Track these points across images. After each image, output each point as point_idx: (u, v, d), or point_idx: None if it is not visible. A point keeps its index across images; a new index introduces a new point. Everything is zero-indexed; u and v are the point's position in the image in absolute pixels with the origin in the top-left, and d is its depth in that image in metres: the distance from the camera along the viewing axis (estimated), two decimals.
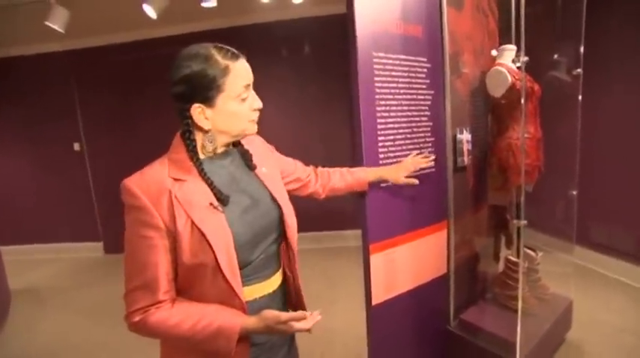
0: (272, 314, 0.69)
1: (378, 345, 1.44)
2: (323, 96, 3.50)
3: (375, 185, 1.33)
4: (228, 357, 0.68)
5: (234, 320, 0.68)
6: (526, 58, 1.32)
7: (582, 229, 2.60)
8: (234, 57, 0.70)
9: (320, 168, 1.14)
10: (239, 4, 3.12)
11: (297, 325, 0.68)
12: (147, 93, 3.55)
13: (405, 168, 1.26)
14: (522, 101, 1.35)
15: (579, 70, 1.73)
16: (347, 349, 2.03)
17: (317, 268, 3.14)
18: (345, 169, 1.18)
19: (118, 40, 3.62)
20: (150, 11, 2.74)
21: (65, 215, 4.04)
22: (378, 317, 1.42)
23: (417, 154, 1.33)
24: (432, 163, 1.35)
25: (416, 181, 1.27)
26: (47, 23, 2.60)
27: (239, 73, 0.70)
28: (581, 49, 1.70)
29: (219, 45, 0.70)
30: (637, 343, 1.86)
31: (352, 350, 2.00)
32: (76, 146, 3.92)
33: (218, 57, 0.68)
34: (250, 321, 0.69)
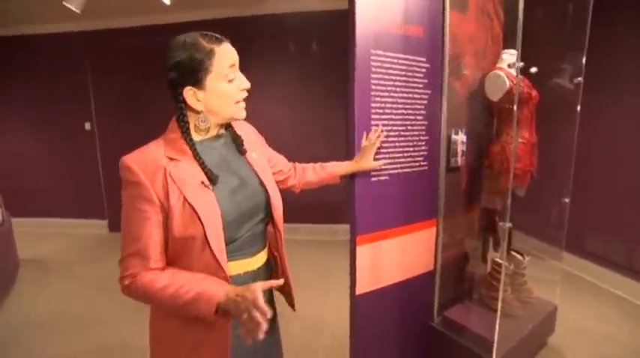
0: (254, 288, 0.68)
1: (361, 333, 1.50)
2: (327, 90, 3.54)
3: (366, 178, 1.38)
4: (211, 321, 0.74)
5: (217, 287, 0.73)
6: (521, 64, 1.34)
7: (575, 237, 2.62)
8: (218, 41, 0.76)
9: (298, 164, 1.20)
10: None
11: (257, 314, 0.65)
12: (158, 78, 3.57)
13: (363, 154, 1.30)
14: (515, 105, 1.37)
15: (580, 79, 1.74)
16: (335, 338, 2.09)
17: (312, 259, 3.21)
18: (318, 165, 1.24)
19: (132, 24, 3.69)
20: None
21: (73, 192, 4.18)
22: (362, 306, 1.47)
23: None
24: (382, 138, 1.36)
25: (381, 163, 1.34)
26: (65, 3, 2.68)
27: (223, 54, 0.76)
28: (584, 59, 1.71)
29: (204, 32, 0.76)
30: (620, 353, 1.88)
31: (339, 340, 2.05)
32: (87, 125, 4.03)
33: (203, 42, 0.74)
34: (232, 289, 0.73)
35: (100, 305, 2.53)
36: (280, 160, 1.11)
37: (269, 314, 0.65)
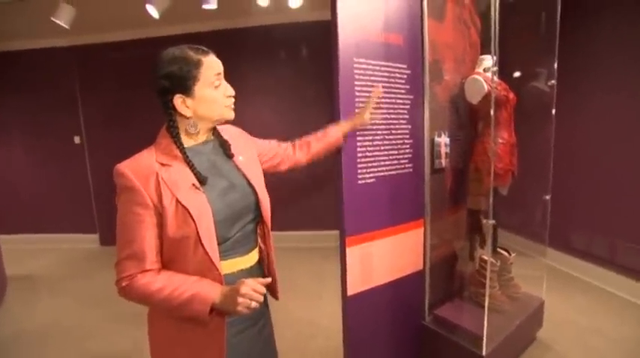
0: (242, 280, 0.75)
1: (353, 334, 1.53)
2: (315, 98, 3.61)
3: (353, 181, 1.43)
4: (206, 323, 0.77)
5: (211, 288, 0.77)
6: (495, 68, 1.42)
7: (558, 234, 2.70)
8: (205, 53, 0.82)
9: (298, 140, 1.25)
10: (239, 7, 3.23)
11: (251, 291, 0.74)
12: (147, 91, 3.62)
13: (361, 112, 1.37)
14: (492, 107, 1.45)
15: (553, 82, 1.84)
16: (329, 341, 2.10)
17: (305, 266, 3.23)
18: (320, 133, 1.29)
19: (121, 38, 3.73)
20: (153, 11, 2.85)
21: (63, 206, 4.13)
22: (354, 307, 1.50)
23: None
24: (379, 94, 1.41)
25: (367, 117, 1.37)
26: (53, 19, 2.71)
27: (210, 64, 0.82)
28: (555, 63, 1.81)
29: (190, 45, 0.82)
30: (606, 344, 1.94)
31: (333, 342, 2.07)
32: (77, 139, 4.01)
33: (191, 53, 0.80)
34: (225, 287, 0.78)
35: (92, 318, 2.50)
36: (272, 145, 1.15)
37: (263, 289, 0.75)
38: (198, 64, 0.79)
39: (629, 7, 2.27)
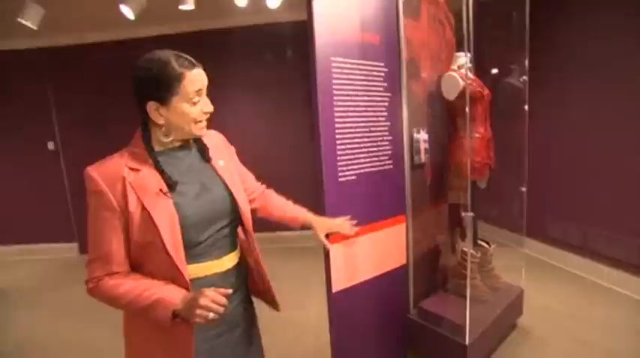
0: (203, 290, 0.74)
1: (340, 330, 1.54)
2: (297, 97, 3.61)
3: (334, 179, 1.44)
4: (168, 326, 0.76)
5: (175, 294, 0.76)
6: (469, 65, 1.46)
7: (535, 224, 2.81)
8: (191, 66, 0.79)
9: (267, 190, 1.17)
10: (216, 8, 3.20)
11: (208, 303, 0.72)
12: (123, 94, 3.54)
13: (329, 226, 1.24)
14: (467, 103, 1.49)
15: (525, 77, 1.91)
16: (318, 340, 2.11)
17: (291, 266, 3.23)
18: (286, 202, 1.18)
19: (94, 40, 3.62)
20: (127, 12, 2.78)
21: (39, 215, 3.97)
22: (340, 303, 1.52)
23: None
24: (353, 231, 1.34)
25: (329, 246, 1.25)
26: (20, 20, 2.60)
27: (192, 79, 0.78)
28: (527, 60, 1.88)
29: (179, 53, 0.79)
30: (581, 327, 2.03)
31: (323, 341, 2.07)
32: (51, 145, 3.87)
33: (175, 64, 0.76)
34: (188, 294, 0.76)
35: (71, 331, 2.42)
36: (249, 178, 1.10)
37: (223, 299, 0.74)
38: (179, 78, 0.76)
39: (596, 3, 2.38)
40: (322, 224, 1.20)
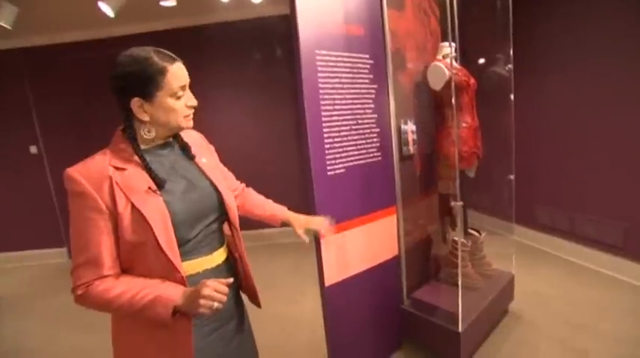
0: (204, 281, 0.74)
1: (334, 323, 1.54)
2: (282, 91, 3.58)
3: (322, 173, 1.43)
4: (169, 324, 0.75)
5: (173, 290, 0.75)
6: (455, 54, 1.46)
7: (524, 211, 2.85)
8: (172, 60, 0.78)
9: (247, 189, 1.17)
10: (199, 4, 3.13)
11: (213, 292, 0.72)
12: (104, 93, 3.46)
13: (307, 223, 1.18)
14: (453, 92, 1.49)
15: (510, 66, 1.92)
16: (313, 335, 2.11)
17: (284, 262, 3.22)
18: (265, 200, 1.18)
19: (74, 39, 3.51)
20: (107, 9, 2.70)
21: (25, 221, 3.87)
22: (333, 296, 1.52)
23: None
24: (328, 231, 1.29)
25: (306, 239, 1.17)
26: None
27: (175, 73, 0.77)
28: (511, 49, 1.89)
29: (158, 49, 0.78)
30: (570, 309, 2.08)
31: (318, 335, 2.08)
32: (33, 149, 3.76)
33: (156, 58, 0.76)
34: (187, 289, 0.76)
35: (61, 338, 2.37)
36: (229, 177, 1.10)
37: (225, 289, 0.74)
38: (162, 71, 0.75)
39: None
40: (300, 221, 1.17)
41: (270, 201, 1.20)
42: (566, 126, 2.61)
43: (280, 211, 1.17)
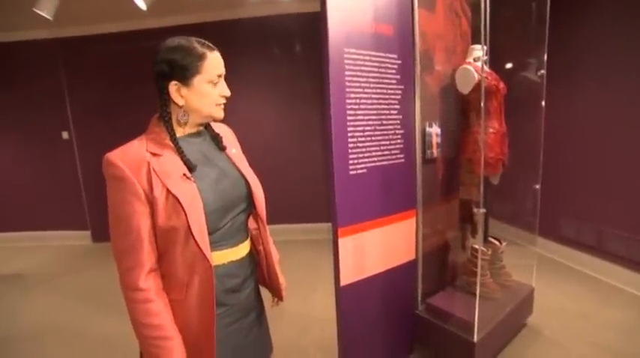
0: None
1: (347, 324, 1.54)
2: (308, 89, 3.58)
3: (344, 172, 1.43)
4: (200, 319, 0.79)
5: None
6: (485, 57, 1.42)
7: (549, 223, 2.74)
8: (211, 48, 0.82)
9: (263, 228, 1.00)
10: None
11: None
12: (136, 84, 3.59)
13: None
14: (482, 97, 1.45)
15: (543, 71, 1.85)
16: (324, 333, 2.12)
17: (298, 258, 3.24)
18: (274, 253, 1.05)
19: (107, 30, 3.65)
20: (140, 3, 2.79)
21: (53, 203, 4.07)
22: (347, 297, 1.51)
23: None
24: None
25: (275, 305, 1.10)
26: (36, 10, 2.63)
27: (214, 61, 0.81)
28: (545, 54, 1.82)
29: (198, 39, 0.82)
30: (593, 328, 1.99)
31: (328, 334, 2.08)
32: (65, 134, 3.94)
33: (197, 45, 0.80)
34: None
35: (85, 315, 2.48)
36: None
37: None
38: (202, 57, 0.79)
39: None
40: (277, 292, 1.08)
41: (274, 253, 1.05)
42: (599, 137, 2.50)
43: (273, 271, 1.03)
